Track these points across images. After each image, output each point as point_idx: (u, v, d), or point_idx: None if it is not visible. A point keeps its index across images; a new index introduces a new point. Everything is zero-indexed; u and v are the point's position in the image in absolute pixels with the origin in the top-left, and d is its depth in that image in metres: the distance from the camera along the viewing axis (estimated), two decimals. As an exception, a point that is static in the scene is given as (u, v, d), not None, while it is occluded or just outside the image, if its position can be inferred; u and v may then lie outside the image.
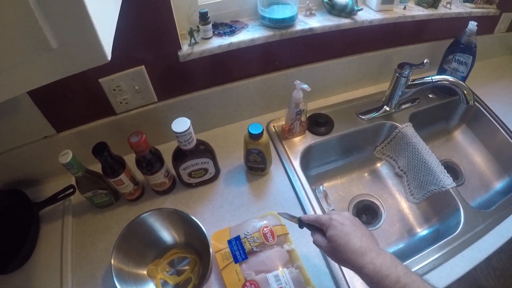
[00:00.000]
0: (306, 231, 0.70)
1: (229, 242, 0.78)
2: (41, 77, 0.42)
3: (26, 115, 0.82)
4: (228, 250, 0.78)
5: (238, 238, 0.78)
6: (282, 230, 0.80)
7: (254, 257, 0.75)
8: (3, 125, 0.82)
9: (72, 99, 0.84)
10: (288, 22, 0.88)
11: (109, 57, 0.44)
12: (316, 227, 0.66)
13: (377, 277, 0.51)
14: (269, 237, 0.77)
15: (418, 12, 1.02)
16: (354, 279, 0.78)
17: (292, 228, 0.84)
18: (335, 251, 0.57)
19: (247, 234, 0.77)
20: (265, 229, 0.78)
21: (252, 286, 0.71)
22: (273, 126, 1.07)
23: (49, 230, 0.90)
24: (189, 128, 0.75)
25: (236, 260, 0.75)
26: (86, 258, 0.85)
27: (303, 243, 0.84)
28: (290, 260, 0.77)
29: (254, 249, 0.75)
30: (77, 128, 0.90)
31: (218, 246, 0.80)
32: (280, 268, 0.74)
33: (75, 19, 0.37)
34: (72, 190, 0.91)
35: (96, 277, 0.81)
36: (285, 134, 1.03)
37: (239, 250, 0.76)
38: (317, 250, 0.83)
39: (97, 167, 0.83)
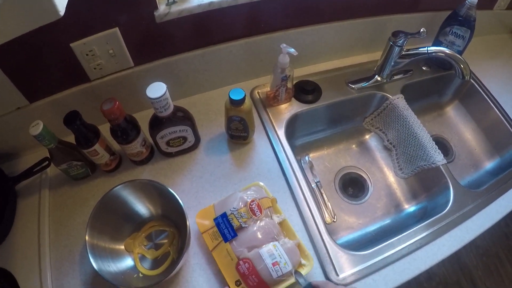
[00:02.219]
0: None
1: (216, 220, 0.75)
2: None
3: (-4, 86, 0.77)
4: (215, 229, 0.74)
5: (224, 215, 0.74)
6: (269, 202, 0.77)
7: (244, 233, 0.72)
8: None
9: (43, 67, 0.80)
10: (274, -19, 0.83)
11: (61, 13, 0.40)
12: None
13: None
14: (257, 211, 0.73)
15: (416, -23, 0.97)
16: (337, 255, 0.76)
17: (280, 199, 0.83)
18: None
19: (233, 210, 0.73)
20: (251, 204, 0.74)
21: (246, 264, 0.68)
22: (258, 92, 1.02)
23: (27, 205, 0.87)
24: (165, 93, 0.71)
25: (225, 239, 0.72)
26: (63, 233, 0.83)
27: (291, 213, 0.83)
28: (282, 231, 0.75)
29: (243, 225, 0.72)
30: (51, 97, 0.86)
31: (204, 225, 0.76)
32: (271, 242, 0.70)
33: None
34: (47, 162, 0.87)
35: (74, 252, 0.79)
36: (270, 101, 0.99)
37: (227, 228, 0.72)
38: (300, 222, 0.82)
39: (72, 139, 0.80)
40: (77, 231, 0.82)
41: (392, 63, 0.98)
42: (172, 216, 0.81)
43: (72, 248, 0.80)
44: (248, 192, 0.77)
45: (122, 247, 0.79)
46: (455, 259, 1.81)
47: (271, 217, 0.75)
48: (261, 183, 0.81)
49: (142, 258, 0.78)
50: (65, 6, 0.41)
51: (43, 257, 0.79)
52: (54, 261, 0.79)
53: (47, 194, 0.88)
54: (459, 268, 1.80)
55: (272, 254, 0.68)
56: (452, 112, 1.23)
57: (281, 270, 0.67)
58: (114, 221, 0.78)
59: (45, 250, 0.80)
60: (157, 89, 0.71)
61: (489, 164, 1.11)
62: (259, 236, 0.71)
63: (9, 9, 0.36)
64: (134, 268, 0.77)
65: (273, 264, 0.67)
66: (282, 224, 0.76)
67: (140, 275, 0.75)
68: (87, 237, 0.70)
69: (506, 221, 1.91)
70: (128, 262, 0.77)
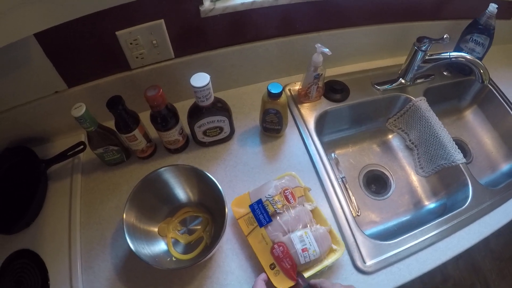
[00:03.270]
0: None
1: (251, 206, 0.77)
2: (65, 12, 0.40)
3: (37, 68, 0.79)
4: (251, 215, 0.77)
5: (260, 202, 0.77)
6: (301, 191, 0.80)
7: (278, 219, 0.74)
8: (12, 79, 0.79)
9: (86, 53, 0.82)
10: (313, -17, 0.87)
11: None
12: None
13: None
14: (290, 198, 0.76)
15: (440, -13, 1.01)
16: (364, 244, 0.79)
17: (312, 189, 0.85)
18: None
19: (269, 197, 0.76)
20: (286, 191, 0.77)
21: (281, 247, 0.71)
22: (289, 90, 1.06)
23: (58, 189, 0.89)
24: (208, 83, 0.74)
25: (261, 224, 0.74)
26: (95, 217, 0.84)
27: (321, 203, 0.85)
28: (314, 218, 0.78)
29: (278, 211, 0.74)
30: (90, 83, 0.88)
31: (239, 212, 0.79)
32: (303, 229, 0.73)
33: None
34: (82, 147, 0.89)
35: (105, 236, 0.81)
36: (301, 98, 1.02)
37: (263, 213, 0.75)
38: (329, 211, 0.84)
39: (108, 125, 0.82)
40: (109, 215, 0.83)
41: (416, 67, 1.02)
42: (207, 203, 0.83)
43: (104, 231, 0.81)
44: (282, 181, 0.80)
45: (156, 230, 0.80)
46: (470, 262, 1.84)
47: (303, 205, 0.78)
48: (294, 173, 0.84)
49: (175, 242, 0.80)
50: None
51: (73, 239, 0.80)
52: (85, 244, 0.80)
53: (79, 178, 0.90)
54: (474, 271, 1.82)
55: (303, 240, 0.71)
56: (471, 116, 1.26)
57: (309, 256, 0.70)
58: (152, 203, 0.79)
59: (76, 233, 0.81)
60: (201, 79, 0.74)
61: (505, 167, 1.14)
62: (293, 222, 0.74)
63: None
64: (167, 252, 0.78)
65: (303, 250, 0.70)
66: (314, 212, 0.79)
67: (173, 259, 0.77)
68: (124, 215, 0.72)
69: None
70: (161, 246, 0.78)
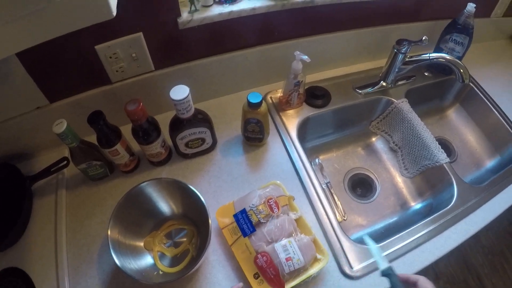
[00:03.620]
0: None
1: (235, 216, 0.78)
2: (45, 31, 0.41)
3: (18, 84, 0.78)
4: (235, 225, 0.77)
5: (244, 211, 0.77)
6: (286, 200, 0.80)
7: (262, 229, 0.75)
8: (-6, 96, 0.78)
9: (66, 67, 0.82)
10: (289, -8, 0.87)
11: (114, 13, 0.43)
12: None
13: None
14: (274, 208, 0.77)
15: (417, -11, 1.02)
16: (350, 249, 0.80)
17: (296, 196, 0.86)
18: None
19: (252, 206, 0.77)
20: (270, 201, 0.77)
21: (264, 257, 0.71)
22: (271, 97, 1.06)
23: (43, 205, 0.88)
24: (188, 95, 0.74)
25: (244, 234, 0.75)
26: (81, 232, 0.83)
27: (305, 210, 0.85)
28: (298, 227, 0.78)
29: (262, 221, 0.75)
30: (71, 98, 0.88)
31: (223, 221, 0.79)
32: (287, 238, 0.73)
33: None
34: (65, 162, 0.89)
35: (92, 252, 0.80)
36: (282, 106, 1.03)
37: (246, 223, 0.75)
38: (314, 219, 0.85)
39: (90, 139, 0.82)
40: (95, 230, 0.83)
41: (396, 69, 1.03)
42: (191, 215, 0.83)
43: (90, 247, 0.81)
44: (267, 190, 0.80)
45: (142, 244, 0.80)
46: (462, 259, 1.86)
47: (288, 214, 0.78)
48: (278, 182, 0.84)
49: (162, 256, 0.80)
50: (116, 6, 0.44)
51: (60, 256, 0.79)
52: (72, 261, 0.79)
53: (64, 194, 0.89)
54: (466, 267, 1.84)
55: (287, 250, 0.71)
56: (454, 115, 1.28)
57: (293, 265, 0.70)
58: (136, 218, 0.79)
59: (62, 250, 0.80)
60: (180, 92, 0.74)
61: (490, 163, 1.16)
62: (277, 231, 0.74)
63: (66, 4, 0.38)
64: (153, 265, 0.78)
65: (287, 259, 0.70)
66: (298, 220, 0.79)
67: (160, 272, 0.77)
68: (109, 232, 0.71)
69: (510, 220, 1.98)
70: (147, 259, 0.78)
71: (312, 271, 0.73)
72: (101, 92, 0.88)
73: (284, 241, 0.72)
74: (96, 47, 0.79)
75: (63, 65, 0.81)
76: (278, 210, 0.76)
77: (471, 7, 1.00)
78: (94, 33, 0.76)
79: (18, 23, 0.37)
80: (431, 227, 0.84)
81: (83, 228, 0.84)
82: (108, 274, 0.77)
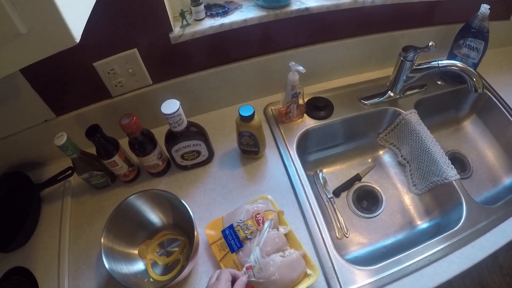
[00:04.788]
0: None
1: (223, 232, 0.77)
2: (17, 60, 0.44)
3: (26, 100, 0.84)
4: (223, 240, 0.77)
5: (231, 227, 0.76)
6: (273, 215, 0.78)
7: (250, 244, 0.74)
8: (5, 111, 0.84)
9: (69, 84, 0.86)
10: (283, 2, 0.86)
11: (77, 40, 0.45)
12: None
13: None
14: (261, 223, 0.75)
15: (426, -8, 0.96)
16: (343, 269, 0.77)
17: (288, 213, 0.84)
18: None
19: (240, 222, 0.76)
20: (257, 216, 0.76)
21: (249, 270, 0.69)
22: (271, 109, 1.05)
23: (50, 211, 0.94)
24: (178, 109, 0.75)
25: (232, 250, 0.74)
26: (82, 237, 0.88)
27: (298, 226, 0.84)
28: (288, 242, 0.76)
29: (249, 236, 0.74)
30: (76, 112, 0.92)
31: (213, 237, 0.79)
32: (276, 253, 0.72)
33: (40, 4, 0.39)
34: (70, 171, 0.94)
35: (91, 256, 0.84)
36: (282, 118, 1.01)
37: (234, 239, 0.75)
38: (307, 235, 0.82)
39: (94, 150, 0.85)
40: (95, 236, 0.85)
41: (404, 78, 0.98)
42: (183, 226, 0.85)
43: (90, 251, 0.85)
44: (255, 205, 0.79)
45: (136, 252, 0.82)
46: (477, 279, 1.73)
47: (278, 228, 0.77)
48: (269, 196, 0.83)
49: (154, 264, 0.82)
50: (80, 34, 0.46)
51: (62, 258, 0.84)
52: (72, 263, 0.84)
53: (70, 201, 0.94)
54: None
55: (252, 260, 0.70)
56: (470, 126, 1.20)
57: (253, 274, 0.68)
58: (129, 227, 0.81)
59: (65, 253, 0.85)
60: (171, 106, 0.75)
61: (508, 180, 1.07)
62: (265, 246, 0.72)
63: (32, 37, 0.41)
64: (145, 272, 0.80)
65: (247, 268, 0.69)
66: (288, 235, 0.77)
67: (151, 279, 0.79)
68: (102, 240, 0.74)
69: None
70: (140, 266, 0.81)
71: (301, 286, 0.70)
72: (103, 106, 0.92)
73: (271, 256, 0.71)
74: (94, 64, 0.82)
75: (66, 81, 0.85)
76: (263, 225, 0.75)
77: (485, 8, 0.93)
78: (90, 51, 0.80)
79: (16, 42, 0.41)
80: (433, 250, 0.78)
81: (84, 233, 0.88)
82: (105, 277, 0.80)
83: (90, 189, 0.94)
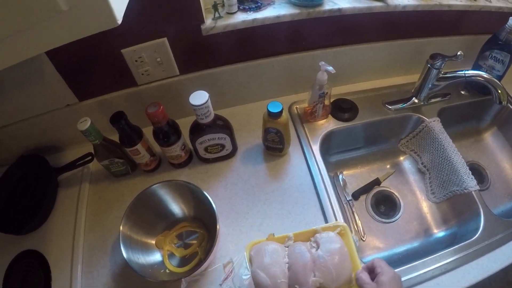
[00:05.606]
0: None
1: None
2: (54, 39, 0.43)
3: (50, 83, 0.84)
4: None
5: None
6: None
7: None
8: (28, 93, 0.84)
9: (95, 69, 0.86)
10: (316, 1, 0.85)
11: (119, 21, 0.44)
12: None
13: None
14: None
15: (456, 1, 0.96)
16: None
17: (309, 212, 0.83)
18: None
19: None
20: None
21: None
22: (296, 108, 1.05)
23: (67, 195, 0.93)
24: (206, 101, 0.75)
25: None
26: (98, 224, 0.87)
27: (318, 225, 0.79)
28: None
29: None
30: (99, 98, 0.92)
31: None
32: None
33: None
34: (90, 157, 0.93)
35: (107, 244, 0.84)
36: (307, 117, 1.01)
37: None
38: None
39: (116, 137, 0.85)
40: (112, 224, 0.86)
41: (430, 86, 0.98)
42: (204, 219, 0.84)
43: (106, 239, 0.84)
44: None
45: (153, 242, 0.82)
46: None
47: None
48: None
49: (171, 255, 0.81)
50: (122, 15, 0.45)
51: (76, 244, 0.84)
52: (87, 249, 0.83)
53: (87, 187, 0.94)
54: None
55: None
56: (490, 138, 1.20)
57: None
58: (149, 217, 0.81)
59: (80, 239, 0.85)
60: (199, 97, 0.75)
61: (525, 195, 1.07)
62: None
63: (72, 15, 0.40)
64: (162, 263, 0.80)
65: None
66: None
67: (167, 271, 0.78)
68: (121, 227, 0.74)
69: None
70: (157, 257, 0.80)
71: None
72: (127, 94, 0.92)
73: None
74: (122, 50, 0.81)
75: (92, 66, 0.85)
76: None
77: (513, 21, 0.93)
78: (119, 37, 0.79)
79: (31, 30, 0.39)
80: (449, 259, 0.78)
81: (101, 220, 0.88)
82: (119, 266, 0.80)
83: (109, 176, 0.94)
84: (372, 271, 0.61)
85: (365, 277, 0.59)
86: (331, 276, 0.60)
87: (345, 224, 0.69)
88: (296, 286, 0.60)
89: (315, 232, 0.68)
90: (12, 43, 0.40)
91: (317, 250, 0.63)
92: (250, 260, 0.65)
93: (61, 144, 1.01)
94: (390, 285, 0.57)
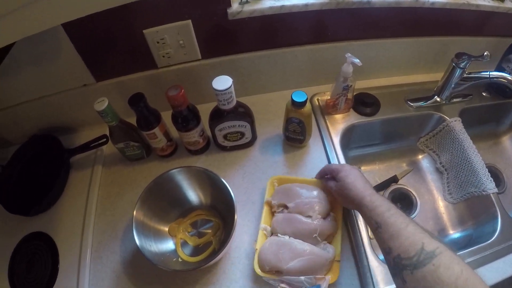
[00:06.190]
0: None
1: None
2: (71, 10, 0.40)
3: (67, 62, 0.82)
4: None
5: None
6: None
7: None
8: (44, 70, 0.82)
9: (114, 49, 0.84)
10: (346, -9, 0.83)
11: None
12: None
13: (372, 205, 0.64)
14: None
15: (483, 2, 0.94)
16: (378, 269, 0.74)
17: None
18: (343, 188, 0.70)
19: None
20: None
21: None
22: (317, 99, 1.03)
23: (79, 178, 0.91)
24: (230, 86, 0.73)
25: None
26: (110, 209, 0.86)
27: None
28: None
29: None
30: (117, 79, 0.90)
31: None
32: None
33: None
34: (105, 140, 0.91)
35: (117, 229, 0.82)
36: (328, 110, 0.99)
37: None
38: (344, 231, 0.80)
39: (132, 120, 0.83)
40: (124, 209, 0.85)
41: (453, 85, 0.96)
42: (219, 207, 0.82)
43: (116, 224, 0.83)
44: None
45: (166, 229, 0.80)
46: None
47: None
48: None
49: (184, 244, 0.80)
50: None
51: (86, 228, 0.82)
52: (97, 234, 0.82)
53: (100, 170, 0.92)
54: None
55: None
56: (509, 142, 1.18)
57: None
58: (163, 202, 0.79)
59: (90, 222, 0.83)
60: (223, 82, 0.73)
61: (542, 201, 1.05)
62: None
63: None
64: (174, 252, 0.78)
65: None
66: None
67: (180, 259, 0.77)
68: (135, 212, 0.72)
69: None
70: (169, 245, 0.79)
71: None
72: (146, 76, 0.90)
73: None
74: (144, 31, 0.80)
75: (111, 46, 0.83)
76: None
77: (539, 25, 0.91)
78: (142, 17, 0.77)
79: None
80: (466, 261, 0.75)
81: (112, 204, 0.86)
82: (130, 252, 0.78)
83: (123, 160, 0.92)
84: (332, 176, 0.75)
85: (331, 183, 0.75)
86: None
87: None
88: None
89: None
90: (27, 13, 0.37)
91: None
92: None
93: (75, 125, 0.99)
94: (348, 178, 0.70)
